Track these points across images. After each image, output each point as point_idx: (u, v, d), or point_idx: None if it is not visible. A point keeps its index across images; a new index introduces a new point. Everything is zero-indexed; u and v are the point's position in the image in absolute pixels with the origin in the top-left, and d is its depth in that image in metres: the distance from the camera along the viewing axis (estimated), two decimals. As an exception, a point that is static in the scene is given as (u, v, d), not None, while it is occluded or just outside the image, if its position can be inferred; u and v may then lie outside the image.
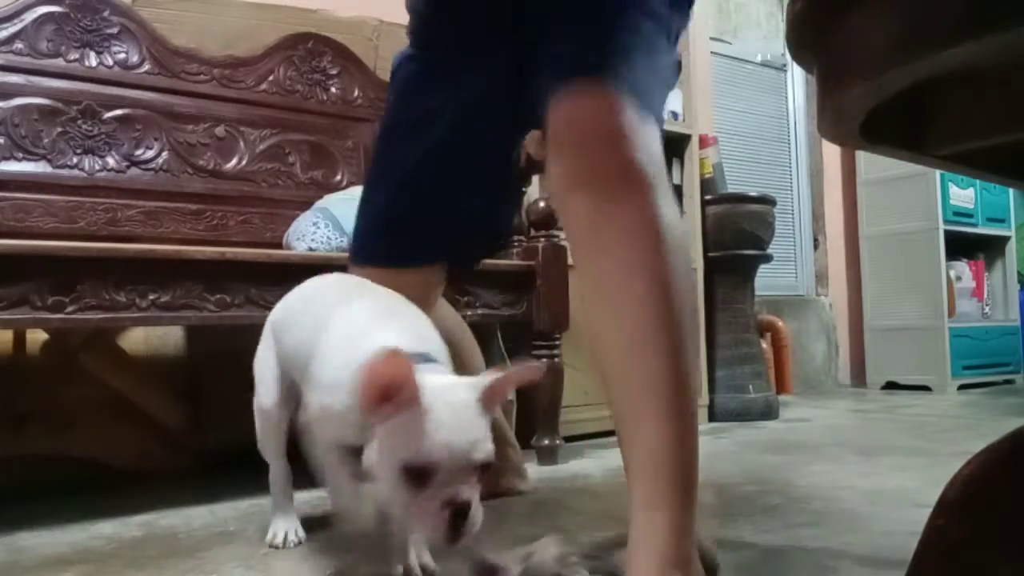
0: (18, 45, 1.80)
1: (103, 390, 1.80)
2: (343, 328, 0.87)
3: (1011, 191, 3.82)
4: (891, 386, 3.71)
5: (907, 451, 2.00)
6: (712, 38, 3.59)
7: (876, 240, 3.83)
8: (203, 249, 1.49)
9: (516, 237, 1.97)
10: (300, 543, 1.19)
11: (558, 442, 1.91)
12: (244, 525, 1.34)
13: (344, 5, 2.32)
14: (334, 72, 2.23)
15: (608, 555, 0.89)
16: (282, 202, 2.07)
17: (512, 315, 1.84)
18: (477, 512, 0.72)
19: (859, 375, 3.94)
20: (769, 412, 2.69)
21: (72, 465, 1.75)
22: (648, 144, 0.86)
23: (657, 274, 0.81)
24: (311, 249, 1.79)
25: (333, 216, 1.85)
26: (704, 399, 2.65)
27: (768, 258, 2.82)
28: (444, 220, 1.11)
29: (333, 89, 2.22)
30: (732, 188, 2.96)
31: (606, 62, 0.87)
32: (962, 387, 3.55)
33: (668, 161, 2.70)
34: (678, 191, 2.71)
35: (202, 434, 1.89)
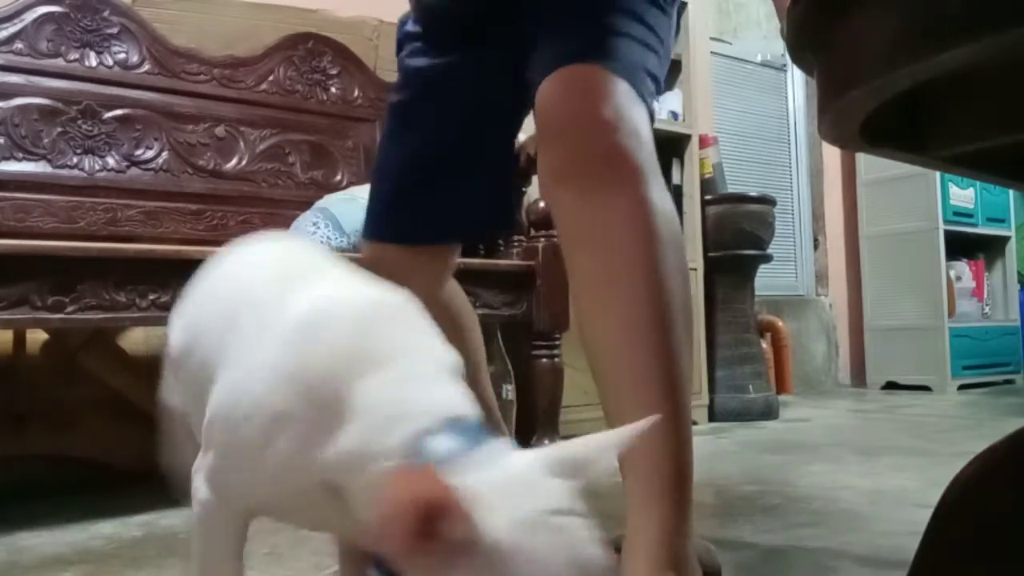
0: (18, 45, 1.80)
1: (103, 390, 1.80)
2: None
3: (1011, 191, 3.82)
4: (891, 386, 3.71)
5: (907, 451, 2.00)
6: (712, 38, 3.59)
7: (876, 240, 3.83)
8: (203, 249, 1.48)
9: (516, 237, 1.97)
10: None
11: (558, 442, 1.91)
12: (244, 525, 1.34)
13: (344, 5, 2.32)
14: (334, 72, 2.23)
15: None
16: (282, 202, 2.07)
17: (512, 315, 1.85)
18: None
19: (859, 375, 3.94)
20: (769, 412, 2.69)
21: (72, 465, 1.75)
22: (636, 128, 0.81)
23: (647, 268, 0.78)
24: (311, 249, 1.79)
25: (333, 216, 1.85)
26: (704, 399, 2.65)
27: (768, 258, 2.82)
28: (450, 202, 1.11)
29: (333, 89, 2.22)
30: (732, 188, 2.96)
31: (591, 46, 0.85)
32: (962, 387, 3.55)
33: (668, 161, 2.70)
34: (678, 191, 2.71)
35: (202, 434, 1.89)
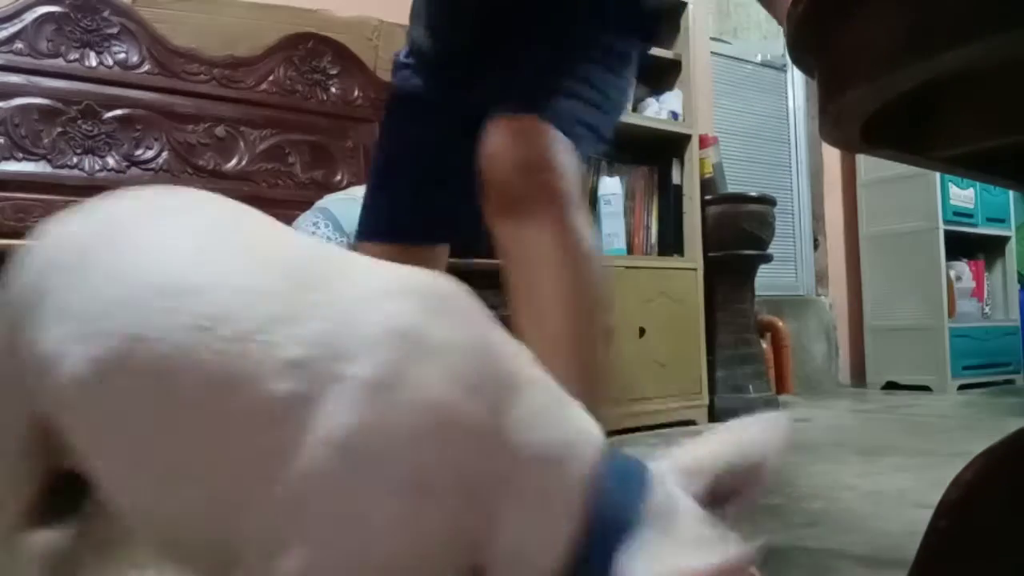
0: (18, 45, 1.80)
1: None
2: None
3: (1011, 191, 3.82)
4: (891, 386, 3.71)
5: (907, 451, 2.00)
6: (712, 38, 3.59)
7: (876, 240, 3.83)
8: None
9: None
10: None
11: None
12: (244, 525, 1.34)
13: (344, 5, 2.32)
14: (334, 72, 2.23)
15: None
16: (282, 202, 2.07)
17: (511, 314, 1.84)
18: None
19: (859, 375, 3.94)
20: (769, 412, 2.69)
21: (72, 465, 1.75)
22: (561, 169, 0.97)
23: (566, 292, 0.92)
24: (311, 249, 1.79)
25: (333, 216, 1.85)
26: (704, 399, 2.65)
27: (768, 258, 2.82)
28: (436, 205, 1.22)
29: (333, 89, 2.22)
30: (732, 188, 2.96)
31: (531, 99, 1.01)
32: (962, 387, 3.55)
33: (668, 161, 2.71)
34: (678, 191, 2.71)
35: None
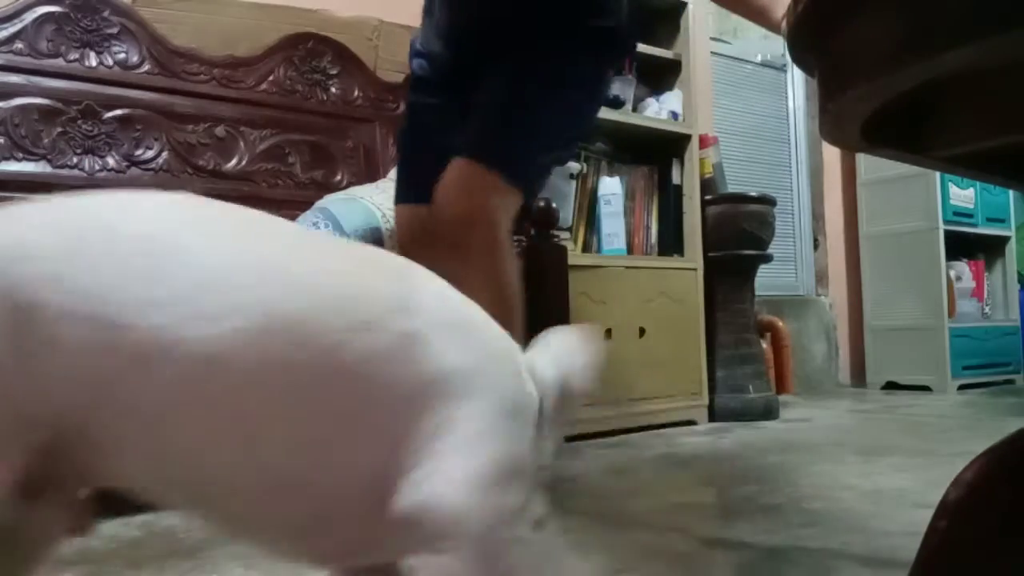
0: (18, 45, 1.80)
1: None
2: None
3: (1011, 191, 3.82)
4: (891, 386, 3.71)
5: (907, 451, 2.00)
6: (712, 38, 3.59)
7: (876, 240, 3.82)
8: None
9: (516, 237, 1.97)
10: None
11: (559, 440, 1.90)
12: (244, 525, 1.34)
13: (344, 5, 2.32)
14: (334, 72, 2.23)
15: None
16: (282, 202, 2.07)
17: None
18: None
19: (859, 375, 3.94)
20: (769, 412, 2.69)
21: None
22: (491, 217, 1.17)
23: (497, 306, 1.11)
24: (311, 249, 1.79)
25: (333, 216, 1.85)
26: (704, 399, 2.65)
27: (768, 258, 2.82)
28: None
29: (333, 89, 2.22)
30: (732, 188, 2.96)
31: (480, 145, 1.20)
32: (962, 387, 3.55)
33: (668, 161, 2.70)
34: (678, 191, 2.71)
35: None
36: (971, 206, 3.72)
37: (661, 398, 2.50)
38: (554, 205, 1.95)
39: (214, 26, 2.09)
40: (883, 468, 1.78)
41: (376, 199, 1.92)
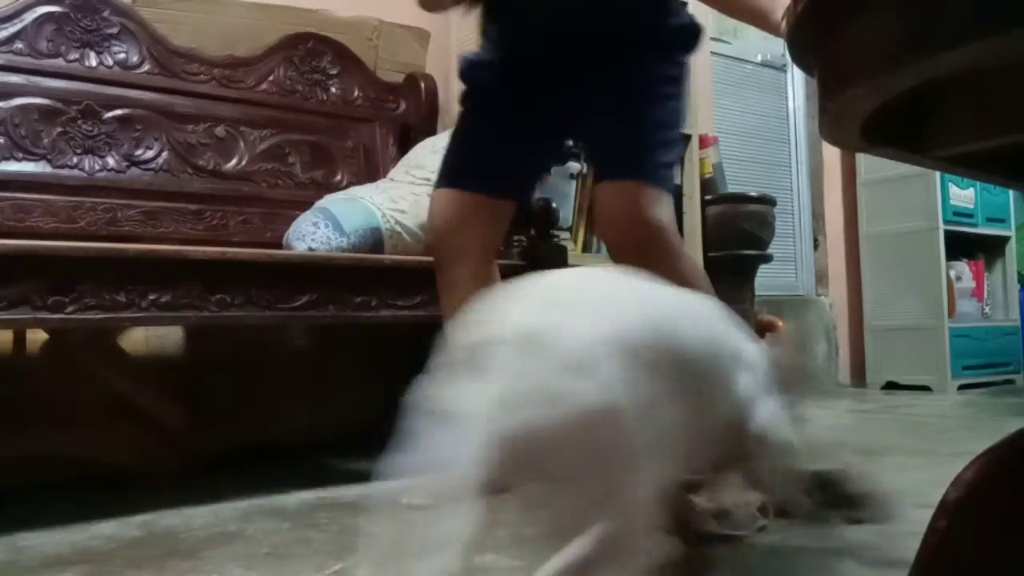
0: (18, 45, 1.80)
1: (103, 390, 1.80)
2: None
3: (1011, 191, 3.82)
4: (891, 386, 3.71)
5: (907, 451, 2.00)
6: (712, 38, 3.59)
7: (876, 240, 3.82)
8: (203, 249, 1.49)
9: (516, 237, 1.96)
10: None
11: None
12: (244, 525, 1.34)
13: (344, 5, 2.32)
14: (334, 72, 2.23)
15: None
16: (282, 202, 2.07)
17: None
18: None
19: (859, 375, 3.94)
20: (769, 412, 2.69)
21: (72, 465, 1.75)
22: (660, 222, 1.31)
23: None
24: (311, 249, 1.79)
25: (333, 216, 1.85)
26: (704, 399, 2.65)
27: (768, 258, 2.82)
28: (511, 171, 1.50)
29: (333, 89, 2.22)
30: (732, 188, 2.96)
31: (633, 167, 1.34)
32: (962, 387, 3.55)
33: (668, 161, 2.70)
34: (678, 191, 2.71)
35: (202, 434, 1.89)
36: (971, 206, 3.72)
37: (661, 398, 2.50)
38: (554, 205, 1.95)
39: (214, 26, 2.09)
40: (883, 468, 1.78)
41: (376, 199, 1.92)
